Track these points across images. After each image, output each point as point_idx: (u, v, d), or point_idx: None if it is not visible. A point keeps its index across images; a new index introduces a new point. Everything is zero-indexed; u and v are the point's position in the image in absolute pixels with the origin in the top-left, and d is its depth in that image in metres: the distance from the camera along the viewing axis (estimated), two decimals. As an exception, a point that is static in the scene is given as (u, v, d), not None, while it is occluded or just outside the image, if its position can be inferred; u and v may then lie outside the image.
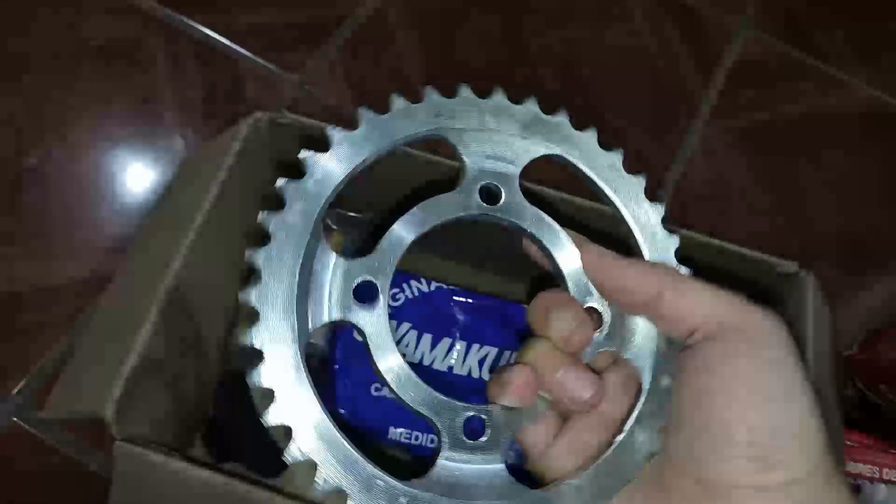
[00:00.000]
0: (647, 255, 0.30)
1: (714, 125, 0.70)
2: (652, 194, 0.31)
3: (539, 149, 0.30)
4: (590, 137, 0.31)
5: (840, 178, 0.69)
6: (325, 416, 0.26)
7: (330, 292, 0.27)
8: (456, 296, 0.49)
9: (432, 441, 0.45)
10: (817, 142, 0.70)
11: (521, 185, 0.30)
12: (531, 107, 0.31)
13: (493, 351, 0.48)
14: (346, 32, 0.70)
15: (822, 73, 0.74)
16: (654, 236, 0.30)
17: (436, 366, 0.47)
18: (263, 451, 0.48)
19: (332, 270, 0.27)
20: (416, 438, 0.45)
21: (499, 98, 0.31)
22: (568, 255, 0.30)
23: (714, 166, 0.68)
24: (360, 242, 0.52)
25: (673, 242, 0.31)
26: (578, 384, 0.28)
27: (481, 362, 0.47)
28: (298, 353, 0.25)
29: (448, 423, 0.27)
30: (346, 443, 0.26)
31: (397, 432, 0.45)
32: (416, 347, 0.47)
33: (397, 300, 0.49)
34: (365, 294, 0.28)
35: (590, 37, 0.74)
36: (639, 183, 0.31)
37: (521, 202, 0.29)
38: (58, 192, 0.58)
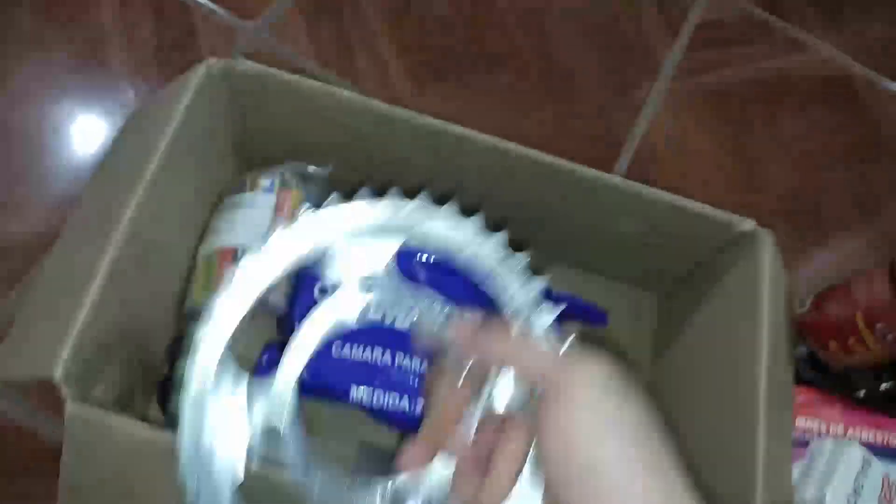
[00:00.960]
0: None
1: (678, 83, 0.70)
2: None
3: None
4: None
5: (796, 139, 0.70)
6: None
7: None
8: (419, 253, 0.49)
9: (394, 401, 0.45)
10: (776, 103, 0.71)
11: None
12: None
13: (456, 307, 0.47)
14: (305, -21, 0.67)
15: (786, 34, 0.75)
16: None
17: (398, 323, 0.47)
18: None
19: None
20: (378, 398, 0.45)
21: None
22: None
23: (676, 125, 0.68)
24: (319, 197, 0.50)
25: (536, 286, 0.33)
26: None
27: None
28: None
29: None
30: None
31: (360, 391, 0.45)
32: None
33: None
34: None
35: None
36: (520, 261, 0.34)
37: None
38: (0, 145, 0.55)
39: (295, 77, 0.46)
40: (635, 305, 0.57)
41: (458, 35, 0.68)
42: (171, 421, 0.46)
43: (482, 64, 0.67)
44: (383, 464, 0.47)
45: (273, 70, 0.45)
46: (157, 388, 0.47)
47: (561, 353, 0.30)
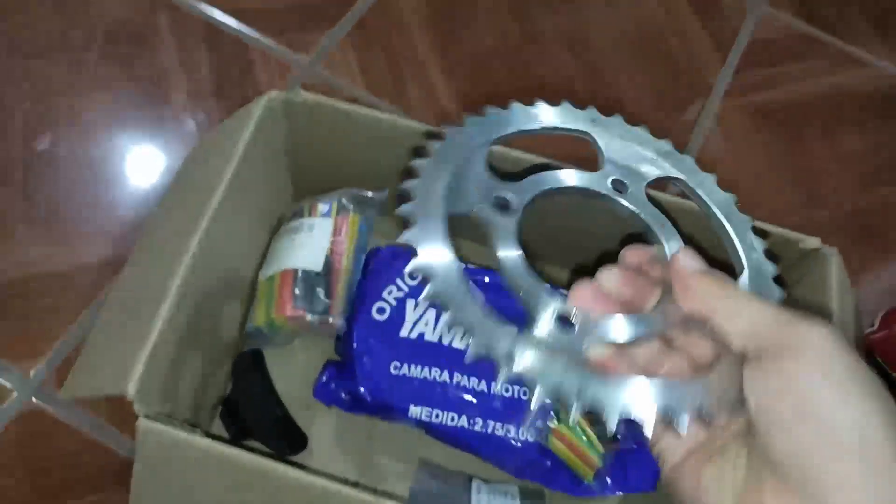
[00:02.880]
0: (746, 279, 0.32)
1: (730, 103, 0.69)
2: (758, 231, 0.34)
3: (669, 171, 0.35)
4: (712, 179, 0.35)
5: (855, 155, 0.68)
6: (455, 262, 0.29)
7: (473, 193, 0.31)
8: (475, 274, 0.49)
9: (452, 419, 0.45)
10: (833, 119, 0.70)
11: (646, 192, 0.34)
12: (665, 144, 0.36)
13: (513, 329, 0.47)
14: (356, 13, 0.69)
15: (838, 49, 0.74)
16: (758, 267, 0.32)
17: (455, 343, 0.47)
18: (280, 429, 0.48)
19: (478, 183, 0.32)
20: (437, 416, 0.45)
21: (642, 130, 0.36)
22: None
23: (730, 144, 0.67)
24: (374, 219, 0.51)
25: (771, 270, 0.32)
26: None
27: (501, 340, 0.47)
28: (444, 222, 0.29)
29: (542, 313, 0.30)
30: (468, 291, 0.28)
31: (417, 410, 0.45)
32: (436, 325, 0.47)
33: (415, 278, 0.49)
34: (503, 205, 0.31)
35: (600, 16, 0.73)
36: (748, 221, 0.34)
37: (644, 201, 0.33)
38: (70, 177, 0.58)
39: (350, 105, 0.47)
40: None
41: (505, 62, 0.69)
42: (234, 438, 0.47)
43: (530, 90, 0.67)
44: (441, 479, 0.47)
45: (329, 99, 0.47)
46: (221, 405, 0.48)
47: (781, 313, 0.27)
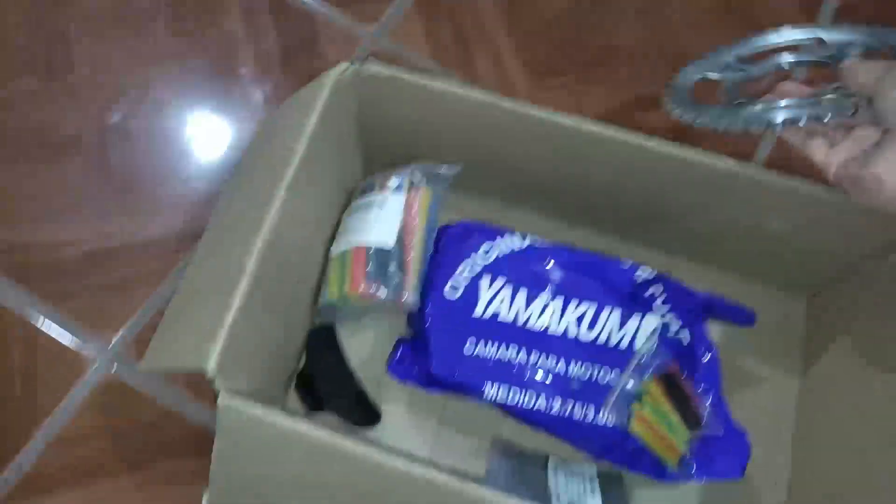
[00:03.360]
0: None
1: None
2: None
3: None
4: None
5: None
6: None
7: None
8: (550, 252, 0.47)
9: (529, 400, 0.44)
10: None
11: None
12: None
13: (592, 308, 0.46)
14: (422, -20, 0.67)
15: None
16: None
17: (531, 323, 0.45)
18: (354, 402, 0.48)
19: None
20: (513, 397, 0.44)
21: None
22: None
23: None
24: (445, 192, 0.50)
25: None
26: None
27: (579, 319, 0.45)
28: None
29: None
30: None
31: (493, 391, 0.44)
32: (511, 304, 0.46)
33: (489, 255, 0.47)
34: None
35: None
36: None
37: None
38: (142, 149, 0.59)
39: (422, 78, 0.45)
40: (779, 309, 0.53)
41: (575, 28, 0.66)
42: (311, 408, 0.48)
43: (601, 56, 0.65)
44: (517, 457, 0.46)
45: (401, 71, 0.46)
46: (296, 379, 0.48)
47: None
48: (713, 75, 0.43)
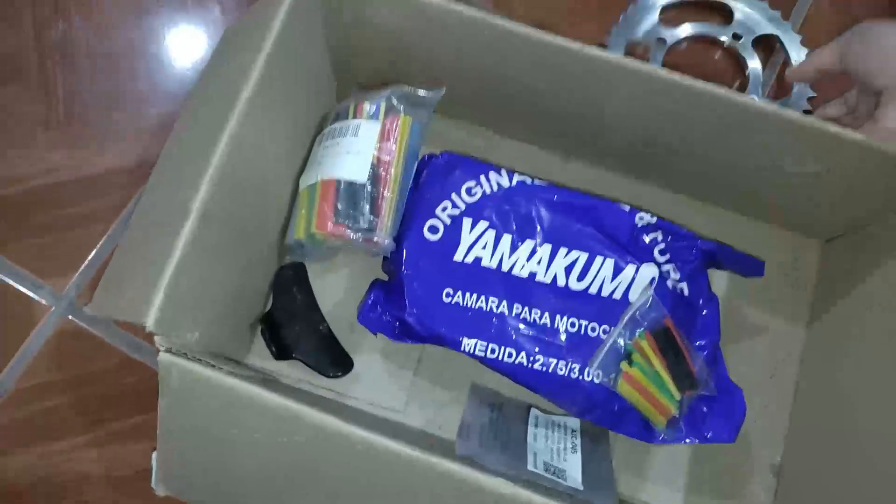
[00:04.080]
0: None
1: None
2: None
3: None
4: None
5: None
6: None
7: None
8: (541, 192, 0.42)
9: (510, 355, 0.40)
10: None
11: None
12: None
13: (583, 256, 0.41)
14: None
15: None
16: None
17: (515, 271, 0.41)
18: (324, 348, 0.45)
19: None
20: (493, 352, 0.40)
21: None
22: None
23: (846, 13, 0.56)
24: (427, 120, 0.45)
25: None
26: None
27: (568, 269, 0.41)
28: None
29: None
30: None
31: (471, 344, 0.40)
32: (494, 250, 0.41)
33: (473, 195, 0.42)
34: None
35: None
36: None
37: None
38: (88, 71, 0.53)
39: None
40: (794, 253, 0.49)
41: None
42: (276, 356, 0.45)
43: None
44: (495, 407, 0.44)
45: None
46: (261, 323, 0.45)
47: None
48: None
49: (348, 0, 0.41)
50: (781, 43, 0.54)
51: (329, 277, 0.47)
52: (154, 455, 0.36)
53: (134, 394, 0.47)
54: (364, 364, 0.46)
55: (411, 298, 0.41)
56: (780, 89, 0.55)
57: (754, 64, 0.54)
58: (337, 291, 0.47)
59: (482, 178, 0.43)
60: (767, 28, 0.54)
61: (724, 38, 0.54)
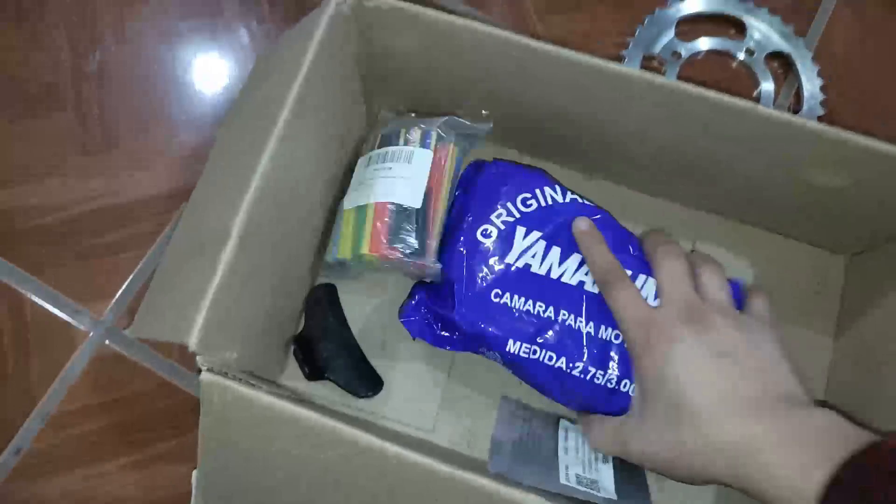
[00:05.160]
0: None
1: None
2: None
3: None
4: None
5: None
6: None
7: None
8: (587, 212, 0.44)
9: (550, 358, 0.40)
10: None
11: None
12: None
13: (629, 272, 0.42)
14: None
15: None
16: None
17: (565, 279, 0.42)
18: (356, 369, 0.45)
19: None
20: (535, 353, 0.41)
21: None
22: None
23: (862, 30, 0.57)
24: (469, 149, 0.46)
25: None
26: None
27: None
28: None
29: None
30: None
31: (516, 346, 0.41)
32: (544, 259, 0.42)
33: (528, 206, 0.43)
34: None
35: None
36: None
37: None
38: (124, 100, 0.54)
39: (428, 10, 0.40)
40: (820, 268, 0.49)
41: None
42: (312, 374, 0.45)
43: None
44: (525, 420, 0.44)
45: (403, 4, 0.40)
46: (294, 344, 0.46)
47: None
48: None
49: (378, 29, 0.42)
50: (792, 60, 0.55)
51: (358, 298, 0.48)
52: (194, 476, 0.37)
53: (171, 416, 0.47)
54: (394, 384, 0.46)
55: (460, 297, 0.41)
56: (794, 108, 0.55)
57: (766, 81, 0.54)
58: (366, 312, 0.48)
59: (538, 191, 0.44)
60: (780, 45, 0.55)
61: (739, 54, 0.55)
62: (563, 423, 0.44)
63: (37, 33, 0.56)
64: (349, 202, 0.45)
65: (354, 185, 0.45)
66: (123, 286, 0.50)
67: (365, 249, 0.42)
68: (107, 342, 0.49)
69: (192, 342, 0.33)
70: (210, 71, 0.56)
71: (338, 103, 0.45)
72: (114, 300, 0.49)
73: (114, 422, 0.47)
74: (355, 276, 0.48)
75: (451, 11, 0.41)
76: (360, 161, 0.46)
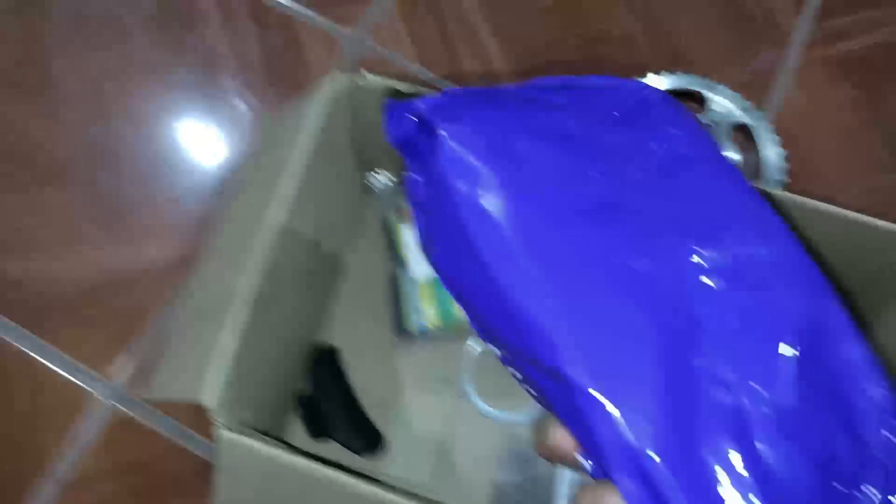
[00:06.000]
0: None
1: (809, 55, 0.64)
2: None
3: None
4: None
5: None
6: None
7: None
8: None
9: None
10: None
11: None
12: None
13: None
14: (403, -20, 0.66)
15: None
16: None
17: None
18: (359, 429, 0.48)
19: None
20: None
21: None
22: None
23: (811, 101, 0.63)
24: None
25: None
26: None
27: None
28: None
29: None
30: None
31: None
32: None
33: None
34: None
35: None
36: None
37: None
38: (130, 172, 0.57)
39: (421, 88, 0.44)
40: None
41: (560, 18, 0.65)
42: (313, 434, 0.47)
43: (590, 49, 0.64)
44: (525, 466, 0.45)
45: (396, 82, 0.44)
46: (299, 404, 0.48)
47: None
48: None
49: (372, 101, 0.45)
50: (753, 132, 0.59)
51: (360, 360, 0.50)
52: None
53: (181, 480, 0.48)
54: (395, 440, 0.48)
55: None
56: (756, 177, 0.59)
57: (730, 152, 0.59)
58: (367, 371, 0.50)
59: None
60: (741, 118, 0.60)
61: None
62: (565, 473, 0.45)
63: (46, 108, 0.59)
64: (420, 273, 0.47)
65: (417, 258, 0.48)
66: (134, 351, 0.52)
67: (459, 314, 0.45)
68: (118, 406, 0.50)
69: (210, 401, 0.35)
70: (210, 144, 0.59)
71: (334, 174, 0.49)
72: (123, 365, 0.51)
73: (124, 486, 0.48)
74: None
75: (436, 88, 0.45)
76: (404, 230, 0.49)
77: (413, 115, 0.32)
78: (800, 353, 0.26)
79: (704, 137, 0.31)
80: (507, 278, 0.27)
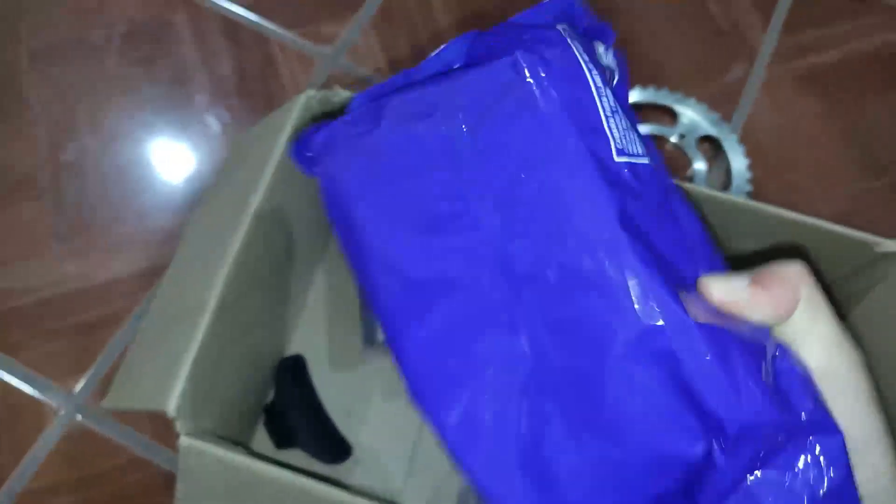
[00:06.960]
0: None
1: (776, 69, 0.65)
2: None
3: None
4: None
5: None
6: None
7: None
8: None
9: None
10: (891, 79, 0.65)
11: None
12: None
13: None
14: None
15: (889, 4, 0.69)
16: None
17: None
18: (325, 437, 0.47)
19: None
20: None
21: None
22: None
23: (779, 114, 0.64)
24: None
25: None
26: None
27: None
28: None
29: None
30: None
31: None
32: None
33: None
34: None
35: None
36: None
37: None
38: (98, 186, 0.57)
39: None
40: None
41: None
42: (279, 445, 0.46)
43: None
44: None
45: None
46: (265, 414, 0.47)
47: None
48: None
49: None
50: (720, 143, 0.61)
51: (326, 368, 0.50)
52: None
53: (143, 492, 0.47)
54: (362, 449, 0.48)
55: None
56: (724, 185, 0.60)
57: (698, 162, 0.60)
58: (333, 381, 0.49)
59: None
60: (708, 129, 0.61)
61: (672, 138, 0.61)
62: None
63: (17, 126, 0.59)
64: None
65: None
66: (95, 363, 0.51)
67: None
68: (78, 418, 0.49)
69: (171, 408, 0.34)
70: (181, 159, 0.59)
71: (305, 187, 0.48)
72: (85, 377, 0.50)
73: (83, 498, 0.47)
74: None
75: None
76: None
77: (307, 151, 0.40)
78: None
79: (562, 124, 0.32)
80: (365, 282, 0.37)
